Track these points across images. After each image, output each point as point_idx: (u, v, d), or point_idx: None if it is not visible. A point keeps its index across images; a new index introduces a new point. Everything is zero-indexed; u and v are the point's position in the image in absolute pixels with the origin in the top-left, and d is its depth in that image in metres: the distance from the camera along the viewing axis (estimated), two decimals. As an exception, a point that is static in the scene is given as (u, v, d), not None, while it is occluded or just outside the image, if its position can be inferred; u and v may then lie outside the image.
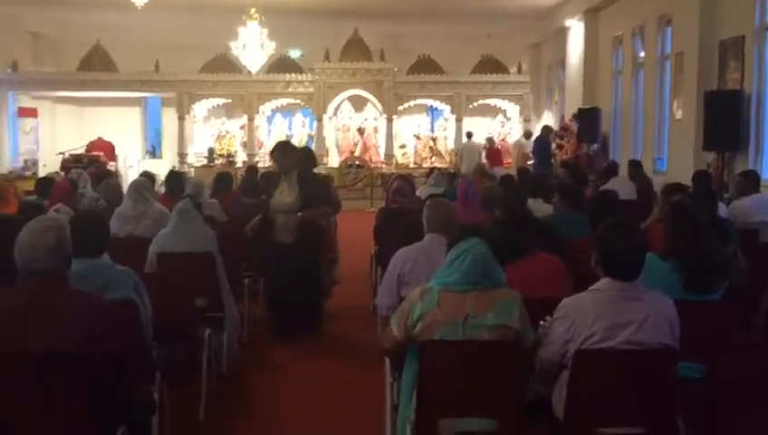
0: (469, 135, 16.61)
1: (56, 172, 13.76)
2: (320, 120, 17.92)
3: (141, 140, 19.57)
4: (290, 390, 4.95)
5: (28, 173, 15.83)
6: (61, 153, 16.63)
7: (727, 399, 2.75)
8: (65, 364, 2.53)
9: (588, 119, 13.13)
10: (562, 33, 15.47)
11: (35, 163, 16.95)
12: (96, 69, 17.52)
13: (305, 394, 4.88)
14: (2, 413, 2.06)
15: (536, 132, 15.79)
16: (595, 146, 13.16)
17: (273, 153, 6.34)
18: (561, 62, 15.88)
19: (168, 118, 18.67)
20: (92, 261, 3.34)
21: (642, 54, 11.84)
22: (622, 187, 7.91)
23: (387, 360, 3.85)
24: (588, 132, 13.14)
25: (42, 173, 15.03)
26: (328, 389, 4.98)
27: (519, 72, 18.42)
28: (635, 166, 9.62)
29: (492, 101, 18.58)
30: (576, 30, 14.67)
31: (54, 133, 18.44)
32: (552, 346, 2.84)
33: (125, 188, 6.89)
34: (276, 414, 4.54)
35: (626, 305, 2.76)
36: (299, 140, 18.95)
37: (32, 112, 17.65)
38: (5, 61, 16.70)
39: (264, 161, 16.40)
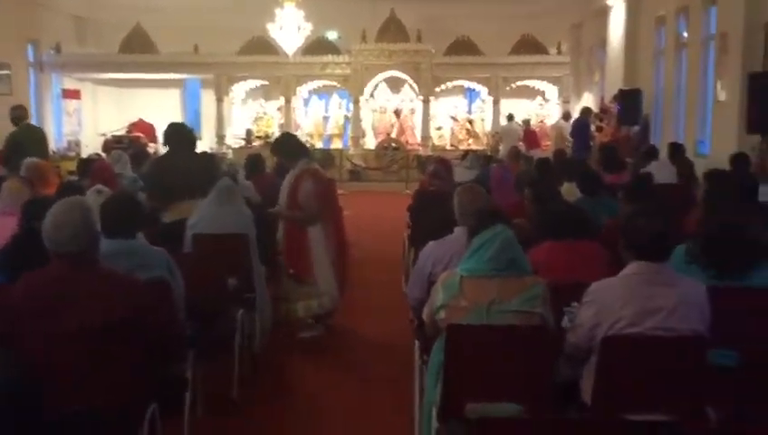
0: (510, 117, 16.42)
1: (96, 154, 14.02)
2: (356, 101, 17.90)
3: (181, 121, 19.82)
4: (321, 371, 5.00)
5: (71, 154, 16.18)
6: (103, 134, 16.97)
7: (760, 387, 2.70)
8: (95, 343, 2.59)
9: (629, 100, 12.87)
10: (604, 12, 15.15)
11: (78, 144, 17.31)
12: (136, 51, 17.75)
13: (335, 376, 4.93)
14: (37, 390, 2.14)
15: (575, 114, 15.54)
16: (636, 128, 12.92)
17: None
18: (602, 43, 15.57)
19: (207, 99, 18.86)
20: (126, 241, 3.40)
21: (685, 35, 11.54)
22: (662, 170, 7.76)
23: (416, 342, 3.88)
24: (629, 114, 12.88)
25: (84, 154, 15.37)
26: (358, 370, 5.02)
27: (559, 52, 18.13)
28: (676, 149, 9.38)
29: (530, 83, 18.34)
30: (618, 9, 14.35)
31: (97, 114, 18.80)
32: (579, 331, 2.82)
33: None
34: (307, 395, 4.59)
35: (656, 291, 2.72)
36: (335, 122, 19.00)
37: (75, 94, 17.99)
38: (49, 43, 17.02)
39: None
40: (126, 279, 2.80)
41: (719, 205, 3.84)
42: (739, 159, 6.77)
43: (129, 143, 14.54)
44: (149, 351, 2.77)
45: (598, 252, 3.70)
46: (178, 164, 5.40)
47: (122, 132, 17.02)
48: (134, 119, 17.91)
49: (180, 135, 5.68)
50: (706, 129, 10.57)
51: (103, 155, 12.95)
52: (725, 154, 7.38)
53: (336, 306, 5.63)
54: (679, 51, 11.76)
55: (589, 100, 16.60)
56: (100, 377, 2.63)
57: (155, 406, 2.86)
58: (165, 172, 5.52)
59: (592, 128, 14.15)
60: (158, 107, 18.59)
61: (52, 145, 16.60)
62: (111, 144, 15.23)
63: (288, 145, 5.73)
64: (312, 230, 5.37)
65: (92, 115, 18.65)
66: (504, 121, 16.74)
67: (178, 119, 19.50)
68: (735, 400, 2.75)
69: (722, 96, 9.72)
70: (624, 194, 4.78)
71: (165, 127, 5.87)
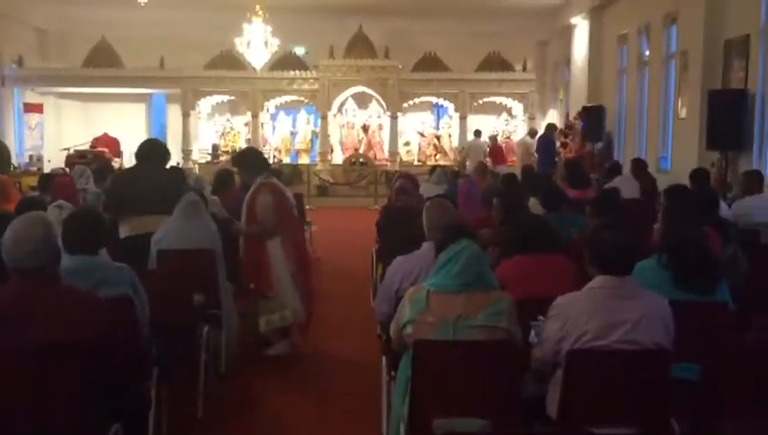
0: (477, 133, 16.57)
1: (61, 168, 13.80)
2: (324, 117, 17.91)
3: (146, 136, 19.52)
4: (287, 387, 4.95)
5: (33, 169, 15.88)
6: (66, 149, 16.69)
7: (722, 401, 2.74)
8: (56, 360, 2.53)
9: (592, 117, 13.09)
10: (568, 30, 15.44)
11: (40, 159, 17.01)
12: (101, 65, 17.54)
13: (302, 392, 4.88)
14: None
15: (541, 130, 15.75)
16: (600, 144, 13.13)
17: None
18: (567, 60, 15.85)
19: (173, 114, 18.69)
20: (88, 258, 3.33)
21: (647, 53, 11.79)
22: (626, 185, 7.88)
23: (383, 358, 3.86)
24: (592, 131, 13.10)
25: (47, 169, 15.09)
26: (325, 386, 4.98)
27: (524, 69, 18.38)
28: (639, 164, 9.57)
29: (497, 99, 18.55)
30: (581, 28, 14.63)
31: (60, 129, 18.50)
32: (546, 344, 2.84)
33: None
34: (273, 412, 4.54)
35: (620, 304, 2.76)
36: (303, 137, 18.95)
37: (37, 108, 17.69)
38: (11, 56, 16.74)
39: (270, 158, 16.40)
40: (88, 296, 2.75)
41: (679, 219, 3.91)
42: (699, 175, 6.91)
43: (93, 158, 14.30)
44: (112, 369, 2.71)
45: (565, 265, 3.73)
46: (143, 177, 5.33)
47: (86, 147, 16.76)
48: (99, 133, 17.67)
49: (151, 150, 5.57)
50: (668, 145, 10.79)
51: (66, 170, 12.77)
52: (686, 170, 7.52)
53: (301, 320, 5.51)
54: (641, 69, 12.01)
55: (554, 116, 16.84)
56: (61, 396, 2.57)
57: (118, 426, 2.80)
58: (124, 185, 5.45)
59: (557, 144, 14.35)
60: (124, 121, 18.38)
61: (14, 160, 16.30)
62: (74, 159, 14.99)
63: (250, 158, 5.69)
64: (270, 244, 5.28)
65: (56, 129, 18.35)
66: (470, 137, 16.88)
67: (144, 133, 19.39)
68: (699, 413, 2.79)
69: (683, 113, 9.93)
70: (591, 208, 4.84)
71: (137, 142, 5.79)
